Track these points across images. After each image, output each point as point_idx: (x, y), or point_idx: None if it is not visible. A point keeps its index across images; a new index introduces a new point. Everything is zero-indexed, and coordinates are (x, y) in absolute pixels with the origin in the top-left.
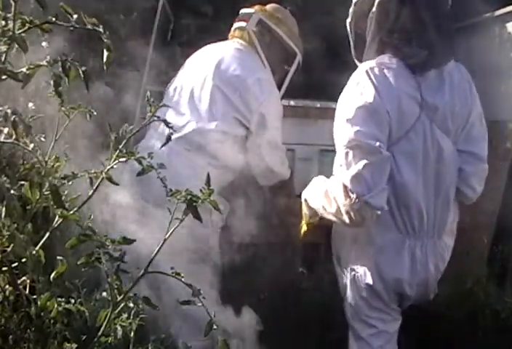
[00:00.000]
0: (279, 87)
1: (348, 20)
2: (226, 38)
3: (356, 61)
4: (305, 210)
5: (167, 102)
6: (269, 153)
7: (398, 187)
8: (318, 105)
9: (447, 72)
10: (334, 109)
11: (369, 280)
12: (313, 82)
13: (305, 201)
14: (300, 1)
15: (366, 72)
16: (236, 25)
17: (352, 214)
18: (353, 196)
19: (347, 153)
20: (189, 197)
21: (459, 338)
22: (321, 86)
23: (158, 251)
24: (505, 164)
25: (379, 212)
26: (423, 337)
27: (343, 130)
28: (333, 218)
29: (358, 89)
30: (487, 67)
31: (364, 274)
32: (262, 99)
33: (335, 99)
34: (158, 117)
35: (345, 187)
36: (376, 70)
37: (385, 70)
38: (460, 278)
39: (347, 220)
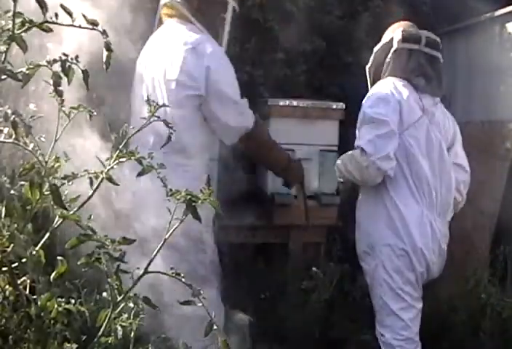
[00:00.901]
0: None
1: (368, 66)
2: None
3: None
4: None
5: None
6: (219, 109)
7: (413, 164)
8: (318, 105)
9: (439, 103)
10: (334, 109)
11: (404, 246)
12: (313, 82)
13: None
14: (300, 1)
15: (381, 81)
16: (162, 1)
17: (363, 171)
18: (365, 156)
19: (365, 128)
20: (188, 197)
21: (460, 338)
22: (321, 86)
23: (158, 251)
24: (505, 164)
25: (388, 173)
26: (424, 336)
27: (365, 113)
28: (351, 176)
29: (379, 88)
30: (487, 67)
31: (397, 244)
32: (201, 62)
33: (335, 100)
34: (158, 117)
35: (361, 149)
36: (394, 79)
37: (400, 82)
38: (462, 279)
39: (358, 176)
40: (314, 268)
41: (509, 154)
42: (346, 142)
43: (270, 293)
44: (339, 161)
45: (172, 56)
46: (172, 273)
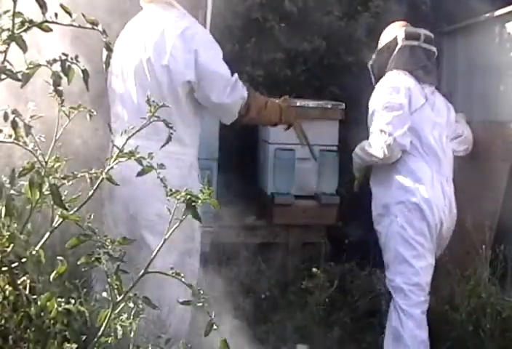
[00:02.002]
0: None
1: (370, 63)
2: None
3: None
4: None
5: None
6: (212, 90)
7: (422, 138)
8: (319, 105)
9: (435, 91)
10: (334, 109)
11: (416, 200)
12: (313, 82)
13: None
14: (300, 1)
15: (389, 73)
16: None
17: (385, 149)
18: (386, 135)
19: (381, 113)
20: (188, 197)
21: (460, 338)
22: (321, 86)
23: (158, 250)
24: (505, 164)
25: (406, 148)
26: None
27: (380, 100)
28: (372, 157)
29: (389, 79)
30: (487, 67)
31: (409, 199)
32: (189, 46)
33: (335, 99)
34: (158, 117)
35: (380, 130)
36: (399, 71)
37: (404, 73)
38: (462, 278)
39: (380, 155)
40: (314, 268)
41: (509, 154)
42: (346, 142)
43: (270, 293)
44: (356, 150)
45: (162, 43)
46: (172, 273)
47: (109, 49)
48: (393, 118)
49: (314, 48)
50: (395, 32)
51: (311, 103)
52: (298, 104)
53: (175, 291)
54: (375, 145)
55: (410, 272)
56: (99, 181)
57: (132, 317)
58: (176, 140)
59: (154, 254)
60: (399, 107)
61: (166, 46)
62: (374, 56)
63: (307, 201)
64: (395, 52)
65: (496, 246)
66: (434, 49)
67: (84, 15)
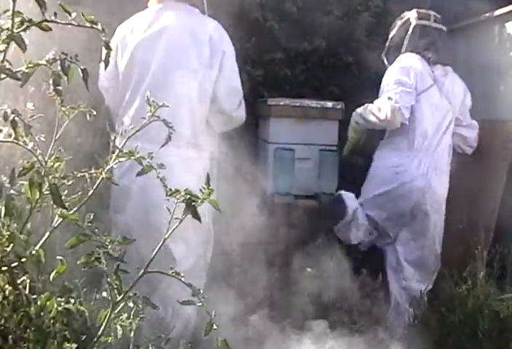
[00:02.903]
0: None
1: (383, 53)
2: None
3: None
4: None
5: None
6: (225, 98)
7: (418, 121)
8: (318, 105)
9: (450, 73)
10: (334, 109)
11: (406, 178)
12: (313, 82)
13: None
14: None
15: (402, 56)
16: None
17: (388, 112)
18: (392, 101)
19: (391, 85)
20: (188, 197)
21: (458, 339)
22: (321, 86)
23: (158, 250)
24: (504, 164)
25: (405, 121)
26: (423, 337)
27: (391, 77)
28: (373, 118)
29: (401, 61)
30: (487, 67)
31: (400, 178)
32: (219, 46)
33: (335, 99)
34: (158, 117)
35: (388, 97)
36: (411, 54)
37: (416, 56)
38: (460, 279)
39: (382, 117)
40: (313, 268)
41: (509, 154)
42: (346, 142)
43: (272, 293)
44: (358, 109)
45: (191, 45)
46: (172, 273)
47: (108, 48)
48: (401, 91)
49: (314, 48)
50: (406, 15)
51: (311, 103)
52: (298, 104)
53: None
54: (380, 106)
55: None
56: (99, 181)
57: (131, 317)
58: (195, 145)
59: (154, 253)
60: (409, 86)
61: (199, 48)
62: (387, 44)
63: (307, 201)
64: (409, 32)
65: (494, 246)
66: (444, 28)
67: (83, 14)
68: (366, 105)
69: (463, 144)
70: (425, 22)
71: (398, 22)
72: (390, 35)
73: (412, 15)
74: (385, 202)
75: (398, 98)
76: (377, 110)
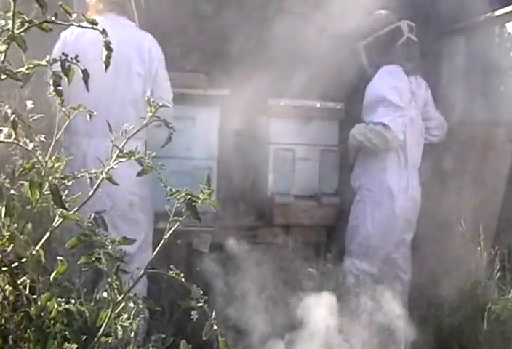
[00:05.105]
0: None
1: (363, 44)
2: None
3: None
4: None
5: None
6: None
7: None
8: (318, 105)
9: (420, 82)
10: (334, 109)
11: (390, 185)
12: (313, 82)
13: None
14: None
15: (389, 69)
16: None
17: (388, 142)
18: (390, 131)
19: (384, 110)
20: (188, 197)
21: (459, 340)
22: (321, 86)
23: (158, 250)
24: (504, 164)
25: (400, 142)
26: (424, 338)
27: (383, 96)
28: (371, 144)
29: (389, 76)
30: (487, 67)
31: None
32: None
33: (335, 100)
34: (159, 117)
35: (383, 125)
36: (395, 67)
37: (400, 69)
38: (460, 280)
39: (382, 146)
40: (314, 268)
41: (509, 154)
42: (346, 142)
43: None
44: (356, 130)
45: (134, 54)
46: (172, 273)
47: (109, 49)
48: (396, 118)
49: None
50: (395, 21)
51: (311, 103)
52: (298, 104)
53: None
54: (379, 138)
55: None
56: (99, 181)
57: (132, 317)
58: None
59: (154, 253)
60: (400, 110)
61: (141, 53)
62: (370, 39)
63: (307, 201)
64: (398, 44)
65: (494, 247)
66: (415, 38)
67: (83, 15)
68: (362, 129)
69: (427, 134)
70: (411, 35)
71: (387, 28)
72: (377, 34)
73: (404, 27)
74: None
75: (394, 126)
76: (378, 140)
